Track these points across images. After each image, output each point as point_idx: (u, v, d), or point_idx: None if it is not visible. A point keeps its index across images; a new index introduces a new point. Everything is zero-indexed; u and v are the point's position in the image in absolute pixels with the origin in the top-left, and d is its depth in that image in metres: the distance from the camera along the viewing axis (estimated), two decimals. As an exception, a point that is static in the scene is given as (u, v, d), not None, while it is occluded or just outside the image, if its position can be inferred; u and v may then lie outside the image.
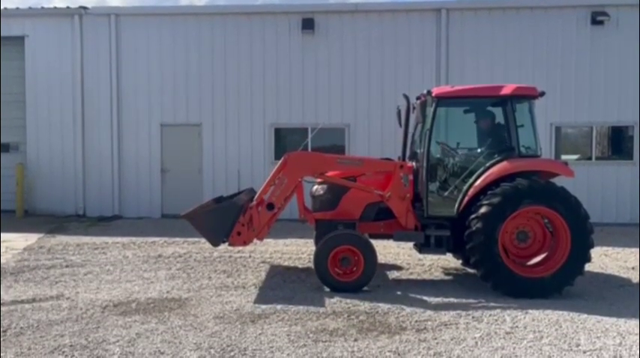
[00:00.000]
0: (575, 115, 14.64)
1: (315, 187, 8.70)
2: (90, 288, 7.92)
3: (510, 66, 14.51)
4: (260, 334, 6.00)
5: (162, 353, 5.46)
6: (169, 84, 15.26)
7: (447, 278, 8.80)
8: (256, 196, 8.35)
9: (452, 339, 5.90)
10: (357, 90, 14.91)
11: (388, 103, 14.00)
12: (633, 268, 9.34)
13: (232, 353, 5.46)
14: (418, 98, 8.59)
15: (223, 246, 10.33)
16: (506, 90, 8.06)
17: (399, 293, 7.73)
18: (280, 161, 8.34)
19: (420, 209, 8.18)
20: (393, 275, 8.86)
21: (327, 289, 7.74)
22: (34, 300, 7.27)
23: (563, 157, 14.82)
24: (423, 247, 8.21)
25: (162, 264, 9.54)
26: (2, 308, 6.87)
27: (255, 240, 8.32)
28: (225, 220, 7.90)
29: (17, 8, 15.93)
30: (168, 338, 5.88)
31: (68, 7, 15.34)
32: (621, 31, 14.39)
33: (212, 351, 5.51)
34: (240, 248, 10.44)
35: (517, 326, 6.31)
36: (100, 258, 10.02)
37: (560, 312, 6.78)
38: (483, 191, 7.70)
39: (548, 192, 7.50)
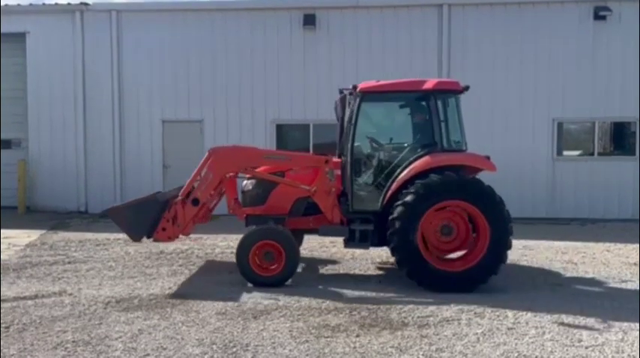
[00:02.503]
0: (577, 111, 14.60)
1: (245, 182, 8.67)
2: (92, 284, 7.93)
3: (512, 61, 14.51)
4: (262, 330, 6.01)
5: (164, 349, 5.47)
6: (171, 80, 15.26)
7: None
8: (181, 191, 8.24)
9: (454, 335, 5.90)
10: (358, 86, 14.87)
11: (390, 99, 13.96)
12: (635, 264, 9.32)
13: (234, 349, 5.46)
14: (348, 92, 8.54)
15: (224, 243, 10.36)
16: (429, 84, 8.09)
17: (400, 289, 7.70)
18: (205, 155, 8.27)
19: (346, 203, 8.18)
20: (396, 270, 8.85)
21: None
22: (36, 296, 7.29)
23: (565, 153, 14.80)
24: (348, 241, 8.22)
25: (164, 260, 9.55)
26: (5, 305, 6.88)
27: (180, 236, 8.33)
28: (145, 215, 7.90)
29: (18, 5, 15.91)
30: (171, 334, 5.89)
31: (69, 4, 15.33)
32: (623, 26, 14.33)
33: (214, 347, 5.52)
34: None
35: (519, 322, 6.31)
36: (102, 254, 10.03)
37: (562, 308, 6.77)
38: (406, 185, 7.68)
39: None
